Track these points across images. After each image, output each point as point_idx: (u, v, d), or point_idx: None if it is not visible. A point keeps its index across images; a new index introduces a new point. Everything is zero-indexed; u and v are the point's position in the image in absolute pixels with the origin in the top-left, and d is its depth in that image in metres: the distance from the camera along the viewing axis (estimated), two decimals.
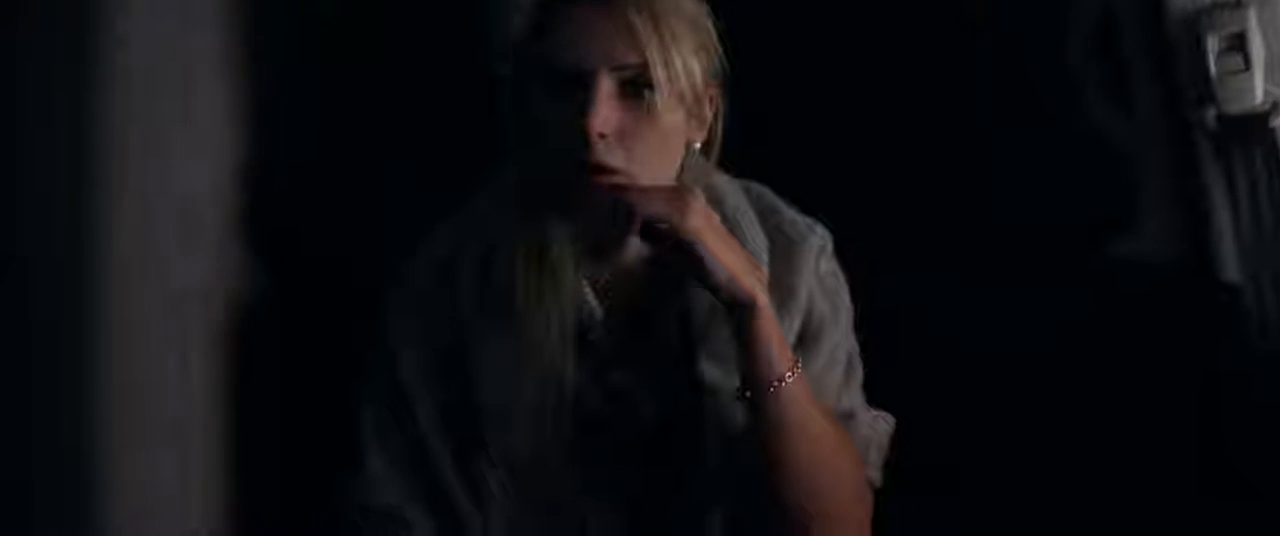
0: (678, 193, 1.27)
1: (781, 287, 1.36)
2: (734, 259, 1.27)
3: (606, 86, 1.25)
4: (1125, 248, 1.71)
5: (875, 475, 1.40)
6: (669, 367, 1.39)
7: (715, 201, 1.36)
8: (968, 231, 1.80)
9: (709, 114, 1.36)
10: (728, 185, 1.42)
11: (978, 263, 1.78)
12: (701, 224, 1.25)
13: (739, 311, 1.27)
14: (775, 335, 1.29)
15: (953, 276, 1.77)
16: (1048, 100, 1.78)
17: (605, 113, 1.25)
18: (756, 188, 1.45)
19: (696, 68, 1.30)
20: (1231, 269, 1.65)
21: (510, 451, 1.37)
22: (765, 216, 1.42)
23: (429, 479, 1.38)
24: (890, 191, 1.82)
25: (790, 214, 1.43)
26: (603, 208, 1.26)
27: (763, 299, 1.28)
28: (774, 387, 1.28)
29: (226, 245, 1.55)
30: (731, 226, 1.35)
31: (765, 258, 1.38)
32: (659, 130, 1.28)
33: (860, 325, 1.48)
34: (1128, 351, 1.71)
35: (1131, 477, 1.69)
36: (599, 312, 1.38)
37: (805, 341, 1.38)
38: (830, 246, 1.43)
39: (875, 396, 1.48)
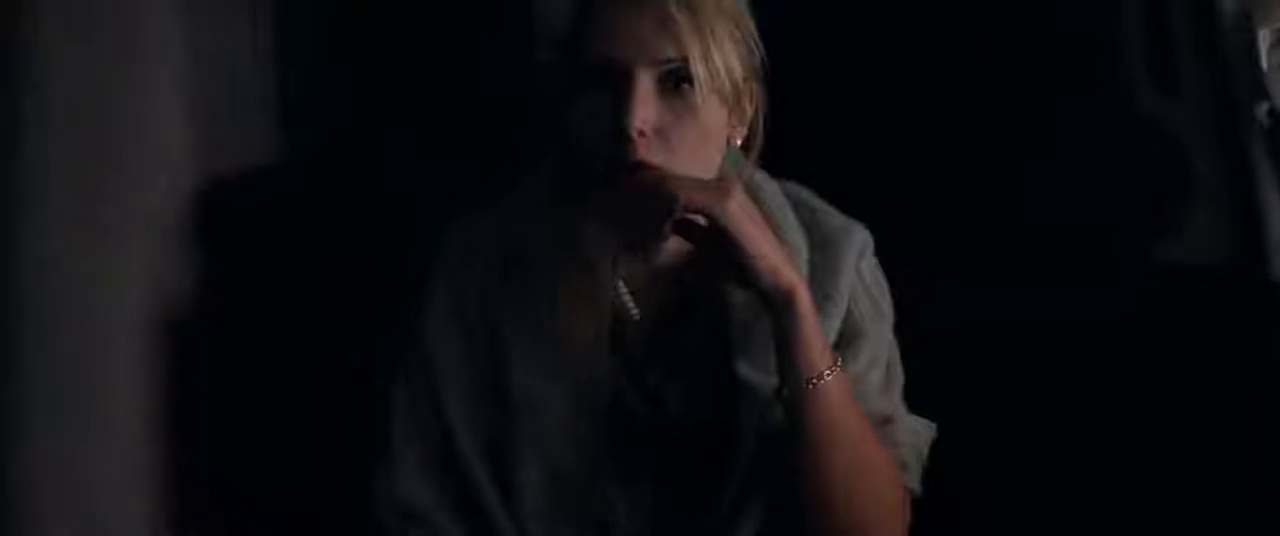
0: (718, 184, 1.25)
1: (821, 287, 1.34)
2: (775, 252, 1.25)
3: (646, 83, 1.23)
4: (1174, 248, 1.68)
5: (914, 483, 1.37)
6: (704, 368, 1.36)
7: (754, 198, 1.33)
8: (1010, 232, 1.77)
9: (749, 110, 1.33)
10: (766, 183, 1.40)
11: (1020, 265, 1.74)
12: (741, 215, 1.23)
13: (779, 305, 1.26)
14: (815, 331, 1.27)
15: (993, 278, 1.74)
16: (1095, 96, 1.75)
17: (644, 110, 1.22)
18: (795, 187, 1.42)
19: (736, 63, 1.27)
20: None
21: (542, 449, 1.35)
22: (804, 215, 1.39)
23: (457, 477, 1.36)
24: (929, 192, 1.78)
25: (830, 213, 1.41)
26: (641, 204, 1.24)
27: (803, 293, 1.26)
28: (813, 385, 1.26)
29: (174, 241, 1.53)
30: (770, 224, 1.32)
31: (805, 256, 1.36)
32: (699, 126, 1.26)
33: (898, 329, 1.45)
34: (1176, 354, 1.67)
35: (1177, 484, 1.66)
36: (634, 312, 1.36)
37: (844, 342, 1.36)
38: (871, 247, 1.41)
39: (914, 402, 1.44)
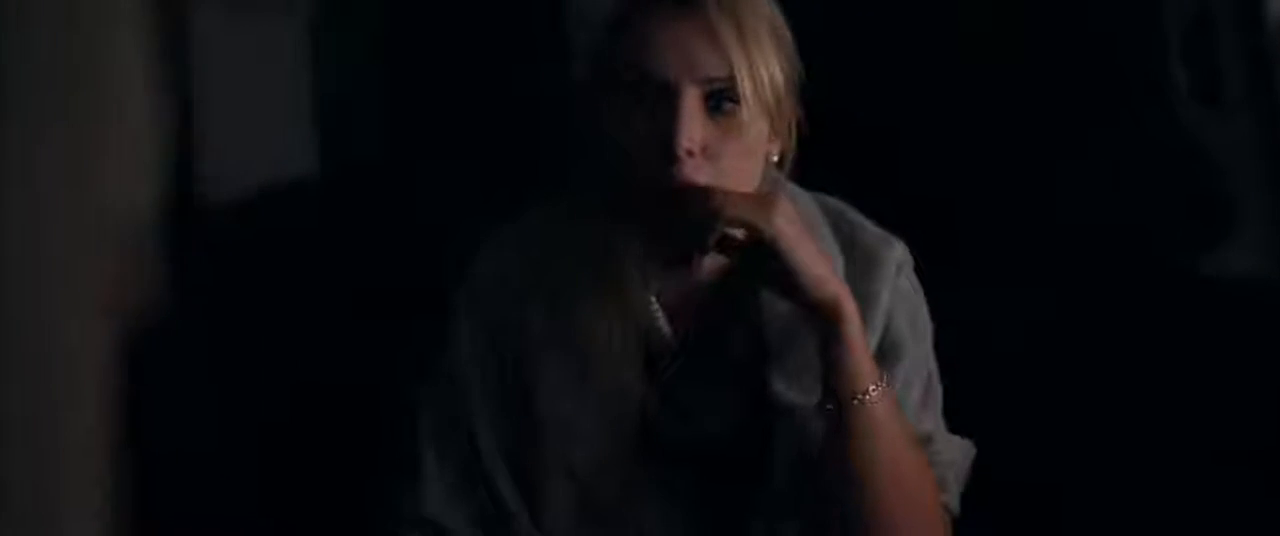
0: (763, 198, 1.24)
1: (859, 302, 1.31)
2: (821, 264, 1.23)
3: (693, 100, 1.21)
4: (1218, 263, 1.65)
5: (953, 502, 1.34)
6: (739, 387, 1.34)
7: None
8: (1048, 244, 1.75)
9: (787, 123, 1.31)
10: (801, 197, 1.38)
11: (1058, 276, 1.73)
12: (789, 229, 1.21)
13: (825, 318, 1.24)
14: (862, 346, 1.25)
15: (1032, 290, 1.72)
16: (1139, 107, 1.72)
17: (692, 128, 1.20)
18: (831, 201, 1.40)
19: (779, 77, 1.25)
20: None
21: (572, 467, 1.33)
22: (840, 229, 1.37)
23: (486, 494, 1.35)
24: (968, 204, 1.77)
25: (868, 227, 1.39)
26: (681, 223, 1.22)
27: (850, 305, 1.24)
28: (859, 400, 1.24)
29: (144, 255, 1.52)
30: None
31: (841, 271, 1.33)
32: (744, 143, 1.24)
33: (939, 342, 1.42)
34: (1216, 367, 1.64)
35: (1215, 496, 1.63)
36: (668, 330, 1.35)
37: (883, 359, 1.33)
38: (909, 262, 1.38)
39: (954, 414, 1.42)
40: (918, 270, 1.42)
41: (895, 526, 1.26)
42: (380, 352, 1.58)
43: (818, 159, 1.37)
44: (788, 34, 1.29)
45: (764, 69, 1.22)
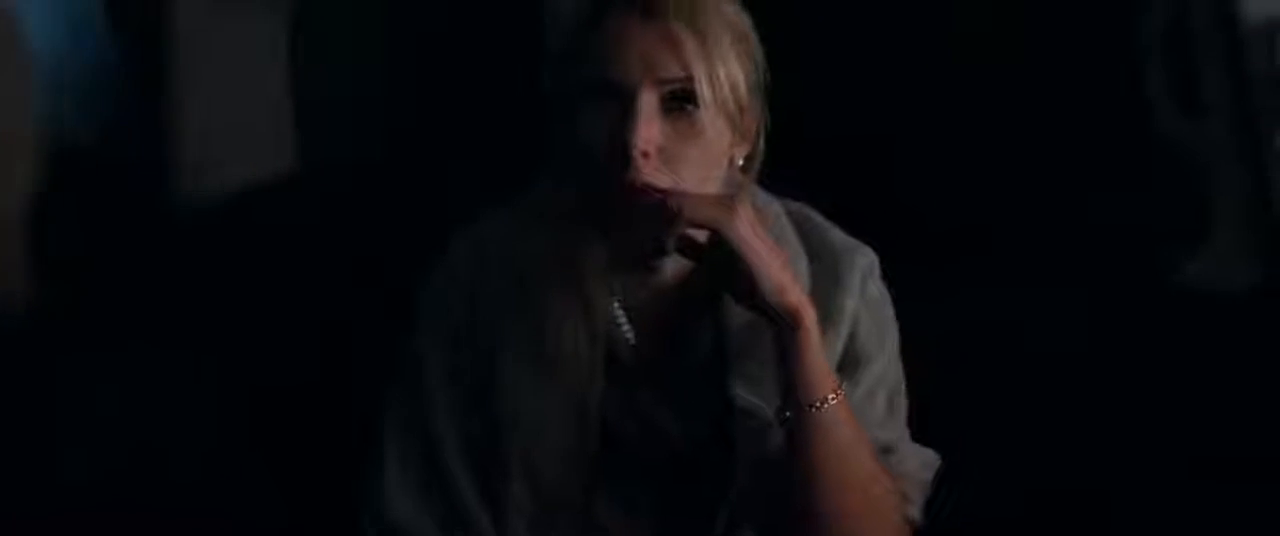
0: (724, 200, 1.23)
1: (823, 308, 1.31)
2: (781, 270, 1.23)
3: (649, 102, 1.21)
4: (1194, 266, 1.65)
5: (916, 514, 1.34)
6: (700, 391, 1.34)
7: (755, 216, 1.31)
8: (1026, 252, 1.74)
9: (752, 127, 1.30)
10: (767, 202, 1.37)
11: (1035, 284, 1.72)
12: (748, 233, 1.21)
13: (784, 325, 1.24)
14: (820, 353, 1.25)
15: (1007, 297, 1.71)
16: (1114, 109, 1.71)
17: (648, 130, 1.20)
18: (797, 206, 1.40)
19: (741, 79, 1.25)
20: None
21: (533, 469, 1.33)
22: (807, 235, 1.37)
23: (447, 496, 1.35)
24: (941, 210, 1.76)
25: (834, 232, 1.38)
26: (642, 225, 1.22)
27: (810, 313, 1.24)
28: (816, 408, 1.24)
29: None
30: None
31: (806, 277, 1.33)
32: (702, 145, 1.24)
33: (904, 348, 1.42)
34: (1197, 375, 1.64)
35: (1199, 501, 1.63)
36: (630, 334, 1.35)
37: (847, 367, 1.33)
38: (877, 269, 1.38)
39: (922, 423, 1.42)
40: (897, 276, 1.41)
41: (852, 532, 1.26)
42: (362, 353, 1.58)
43: (799, 166, 1.37)
44: (752, 38, 1.28)
45: (724, 72, 1.22)
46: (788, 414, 1.26)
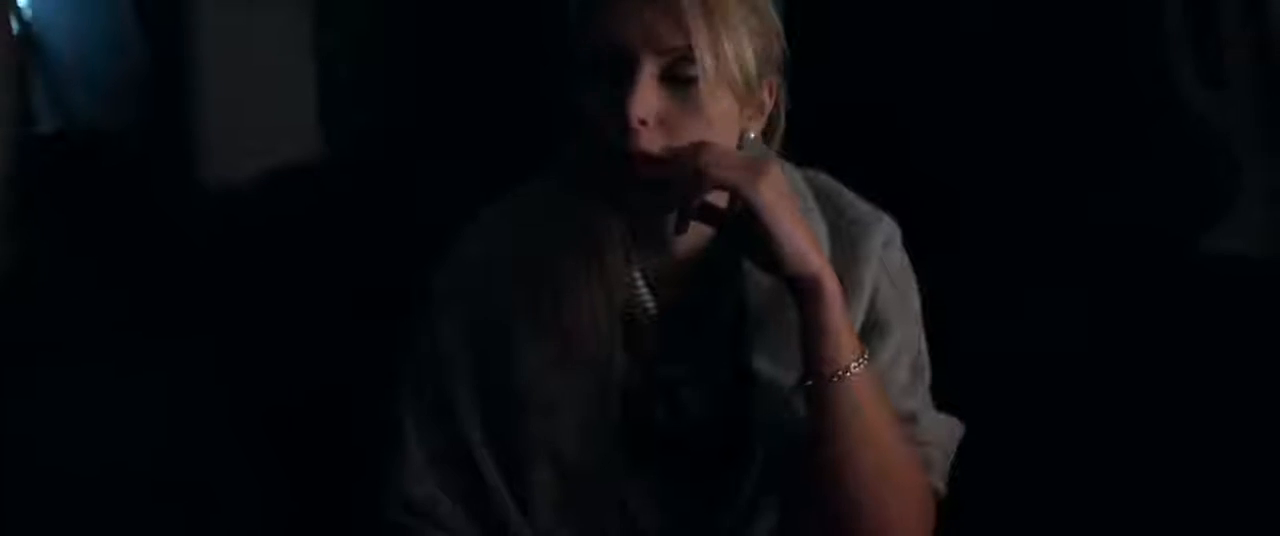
0: (753, 161, 1.21)
1: (844, 278, 1.29)
2: (805, 236, 1.21)
3: (649, 71, 1.20)
4: (1222, 244, 1.63)
5: (939, 482, 1.33)
6: (721, 362, 1.33)
7: None
8: (1052, 227, 1.72)
9: (768, 102, 1.29)
10: (788, 171, 1.36)
11: (1066, 262, 1.70)
12: (774, 197, 1.19)
13: (805, 292, 1.22)
14: (843, 321, 1.23)
15: (1036, 273, 1.70)
16: (1141, 85, 1.70)
17: (645, 98, 1.19)
18: (819, 175, 1.39)
19: (749, 54, 1.23)
20: None
21: (554, 445, 1.33)
22: (827, 204, 1.36)
23: (470, 473, 1.34)
24: (970, 187, 1.75)
25: (855, 201, 1.37)
26: (646, 195, 1.21)
27: (831, 280, 1.22)
28: (839, 377, 1.22)
29: None
30: None
31: (826, 245, 1.32)
32: (704, 118, 1.22)
33: (938, 328, 1.40)
34: (1223, 348, 1.62)
35: (1226, 484, 1.61)
36: (650, 304, 1.34)
37: (869, 336, 1.32)
38: (898, 236, 1.37)
39: (957, 399, 1.40)
40: (921, 254, 1.40)
41: (877, 503, 1.24)
42: (377, 344, 1.58)
43: (818, 147, 1.36)
44: (769, 11, 1.27)
45: (729, 44, 1.20)
46: (809, 383, 1.24)
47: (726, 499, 1.33)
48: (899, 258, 1.37)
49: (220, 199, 1.88)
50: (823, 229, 1.33)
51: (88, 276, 1.81)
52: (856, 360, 1.23)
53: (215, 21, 1.87)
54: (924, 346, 1.37)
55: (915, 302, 1.37)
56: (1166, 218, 1.68)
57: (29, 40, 1.94)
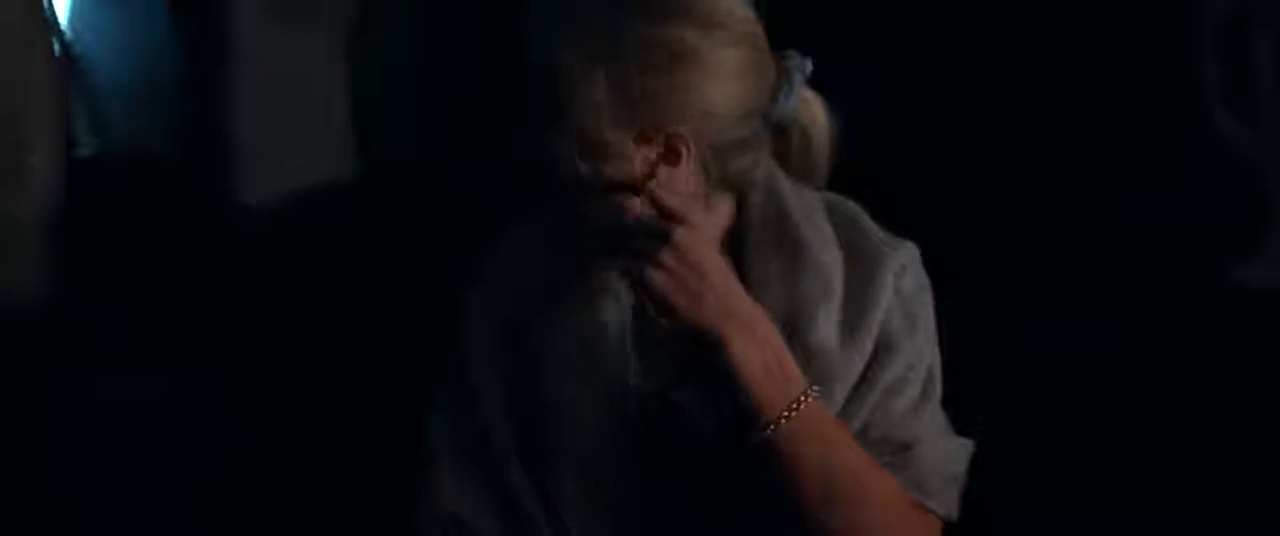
0: (680, 211, 1.24)
1: (856, 305, 1.30)
2: (712, 288, 1.22)
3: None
4: (1249, 271, 1.62)
5: (941, 507, 1.32)
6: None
7: (777, 211, 1.32)
8: (1081, 252, 1.72)
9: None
10: (805, 197, 1.37)
11: (1091, 283, 1.69)
12: (675, 255, 1.22)
13: (707, 347, 1.23)
14: (766, 371, 1.23)
15: (1061, 297, 1.69)
16: (1170, 109, 1.69)
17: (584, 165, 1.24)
18: (841, 201, 1.39)
19: (630, 147, 1.24)
20: None
21: (577, 462, 1.34)
22: (844, 230, 1.36)
23: (501, 487, 1.36)
24: (1003, 207, 1.75)
25: (873, 230, 1.37)
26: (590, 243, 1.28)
27: (728, 329, 1.22)
28: (772, 429, 1.22)
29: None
30: (792, 240, 1.31)
31: (841, 273, 1.32)
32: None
33: (956, 352, 1.40)
34: (1250, 379, 1.61)
35: (1249, 500, 1.61)
36: (665, 324, 1.35)
37: (875, 361, 1.32)
38: (916, 260, 1.36)
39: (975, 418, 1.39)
40: (947, 275, 1.40)
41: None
42: (412, 357, 1.61)
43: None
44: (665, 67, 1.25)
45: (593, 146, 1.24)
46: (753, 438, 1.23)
47: (747, 519, 1.35)
48: (913, 281, 1.36)
49: (258, 215, 1.90)
50: (837, 257, 1.34)
51: (128, 296, 1.84)
52: (793, 406, 1.22)
53: (251, 40, 1.89)
54: (936, 365, 1.36)
55: (927, 322, 1.36)
56: (1195, 244, 1.67)
57: (70, 63, 1.97)
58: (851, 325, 1.29)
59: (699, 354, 1.24)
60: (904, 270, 1.35)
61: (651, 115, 1.23)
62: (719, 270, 1.24)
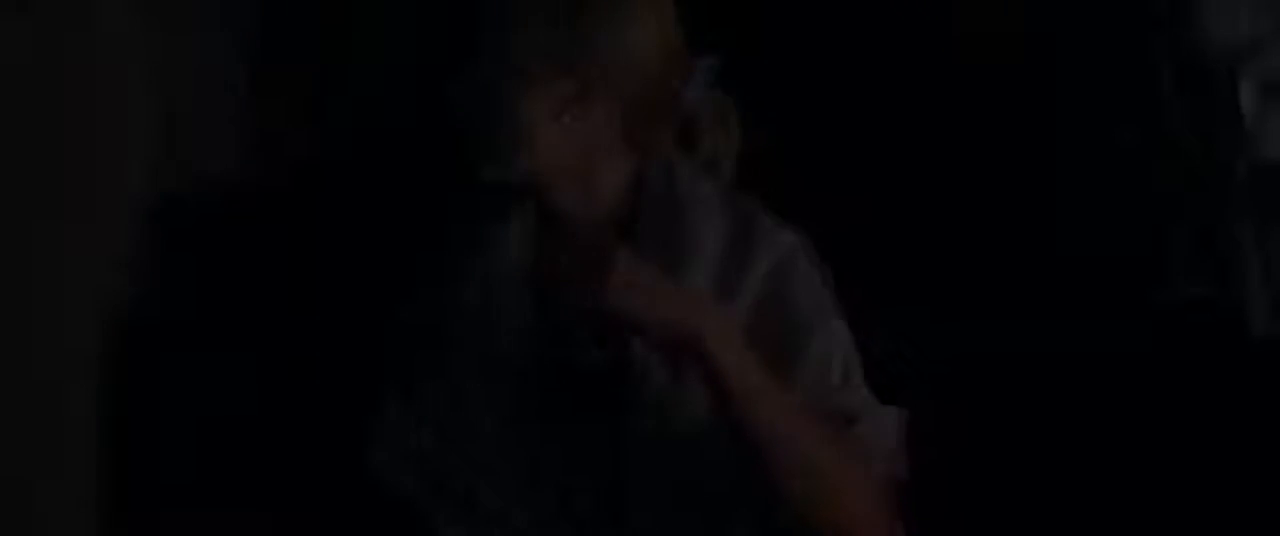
0: (593, 264, 1.26)
1: (727, 283, 1.34)
2: (670, 301, 1.25)
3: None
4: (1157, 294, 1.67)
5: (892, 468, 1.36)
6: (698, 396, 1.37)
7: (666, 189, 1.37)
8: (1009, 266, 1.75)
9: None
10: (702, 187, 1.41)
11: (1020, 297, 1.73)
12: (617, 289, 1.23)
13: (692, 355, 1.25)
14: (738, 359, 1.26)
15: (996, 309, 1.73)
16: (1083, 137, 1.74)
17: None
18: (741, 196, 1.43)
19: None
20: (1260, 323, 1.61)
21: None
22: (734, 217, 1.39)
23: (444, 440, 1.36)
24: (936, 230, 1.77)
25: (763, 219, 1.42)
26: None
27: (710, 326, 1.25)
28: (751, 406, 1.25)
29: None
30: (677, 211, 1.36)
31: (717, 250, 1.35)
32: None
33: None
34: (1159, 397, 1.67)
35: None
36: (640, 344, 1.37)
37: (788, 349, 1.35)
38: (801, 248, 1.37)
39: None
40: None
41: (829, 516, 1.29)
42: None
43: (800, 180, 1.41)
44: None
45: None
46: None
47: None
48: (806, 264, 1.39)
49: None
50: (716, 234, 1.36)
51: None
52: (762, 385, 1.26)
53: None
54: (849, 340, 1.37)
55: (830, 304, 1.40)
56: (1146, 264, 1.72)
57: None
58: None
59: (676, 355, 1.26)
60: (790, 256, 1.38)
61: (577, 50, 1.29)
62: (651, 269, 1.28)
